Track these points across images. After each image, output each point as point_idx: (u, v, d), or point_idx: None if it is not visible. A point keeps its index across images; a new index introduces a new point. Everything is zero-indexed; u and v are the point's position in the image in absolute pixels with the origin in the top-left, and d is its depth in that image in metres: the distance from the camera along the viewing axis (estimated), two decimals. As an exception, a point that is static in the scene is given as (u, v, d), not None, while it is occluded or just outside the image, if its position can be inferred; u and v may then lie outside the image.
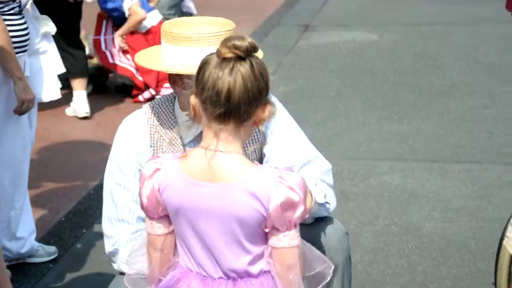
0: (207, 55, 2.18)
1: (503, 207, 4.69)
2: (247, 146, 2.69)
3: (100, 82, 7.19)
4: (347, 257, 2.85)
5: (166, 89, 6.83)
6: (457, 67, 7.77)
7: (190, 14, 8.16)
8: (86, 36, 7.47)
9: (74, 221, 4.62)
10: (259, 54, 2.78)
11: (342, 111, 6.57)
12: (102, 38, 6.98)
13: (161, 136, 2.74)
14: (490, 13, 9.97)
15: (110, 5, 6.79)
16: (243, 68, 2.11)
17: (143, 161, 2.69)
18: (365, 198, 4.90)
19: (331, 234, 2.80)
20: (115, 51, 6.90)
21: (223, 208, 2.16)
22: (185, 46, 2.60)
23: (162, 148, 2.74)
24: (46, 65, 3.97)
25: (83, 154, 5.62)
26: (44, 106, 6.57)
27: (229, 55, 2.11)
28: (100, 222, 4.40)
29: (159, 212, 2.26)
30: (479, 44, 8.55)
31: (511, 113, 6.38)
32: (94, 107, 6.66)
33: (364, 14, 10.21)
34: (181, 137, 2.72)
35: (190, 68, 2.49)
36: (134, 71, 6.87)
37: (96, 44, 6.98)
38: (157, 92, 6.86)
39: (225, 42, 2.12)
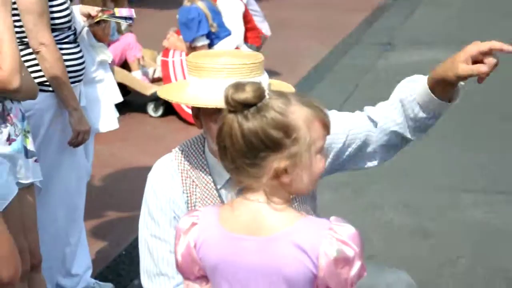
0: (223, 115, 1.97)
1: None
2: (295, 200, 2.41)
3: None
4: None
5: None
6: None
7: (264, 37, 7.94)
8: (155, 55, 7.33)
9: (134, 255, 4.38)
10: (287, 87, 2.52)
11: (425, 138, 6.18)
12: (170, 60, 6.79)
13: (193, 181, 2.51)
14: None
15: (183, 34, 6.63)
16: (235, 122, 1.90)
17: (177, 209, 2.49)
18: (445, 235, 4.53)
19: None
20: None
21: (266, 264, 1.90)
22: (209, 78, 2.40)
23: (195, 194, 2.51)
24: (102, 95, 3.78)
25: (149, 181, 5.40)
26: (114, 131, 6.42)
27: (230, 109, 1.92)
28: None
29: (196, 272, 2.02)
30: None
31: None
32: (164, 131, 6.47)
33: (449, 32, 9.80)
34: (214, 181, 2.50)
35: (210, 101, 2.31)
36: None
37: (164, 66, 6.79)
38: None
39: (225, 96, 1.91)
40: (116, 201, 5.09)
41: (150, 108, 6.89)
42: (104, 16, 3.69)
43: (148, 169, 5.63)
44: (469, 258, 4.25)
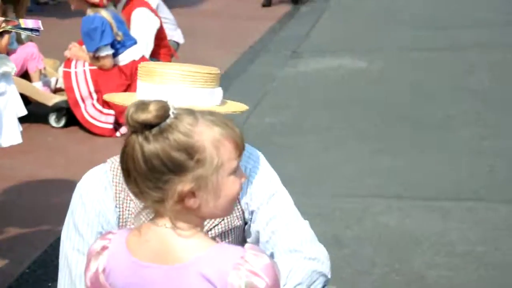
0: None
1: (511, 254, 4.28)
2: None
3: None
4: None
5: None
6: (451, 96, 7.38)
7: (177, 44, 7.80)
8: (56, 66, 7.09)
9: (39, 273, 4.16)
10: (236, 106, 2.38)
11: (333, 143, 6.15)
12: (72, 71, 6.55)
13: (127, 195, 2.34)
14: (477, 38, 9.65)
15: (86, 44, 6.40)
16: (131, 145, 1.78)
17: (106, 224, 2.33)
18: (360, 242, 4.46)
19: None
20: (89, 104, 6.44)
21: None
22: (162, 84, 2.28)
23: (129, 209, 2.35)
24: (5, 108, 3.57)
25: (52, 195, 5.16)
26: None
27: (128, 127, 1.80)
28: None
29: None
30: (470, 72, 8.19)
31: (508, 145, 5.97)
32: (67, 142, 6.23)
33: (352, 40, 9.84)
34: None
35: None
36: (111, 126, 6.45)
37: (66, 77, 6.54)
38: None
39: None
40: (17, 216, 4.84)
41: (52, 118, 6.64)
42: (9, 27, 3.46)
43: (50, 182, 5.38)
44: (385, 266, 4.18)
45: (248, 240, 2.43)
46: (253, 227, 2.40)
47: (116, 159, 2.36)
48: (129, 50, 6.56)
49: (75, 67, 6.54)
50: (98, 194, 2.32)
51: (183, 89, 2.28)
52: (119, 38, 6.44)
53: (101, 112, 6.45)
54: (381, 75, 8.20)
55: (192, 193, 1.76)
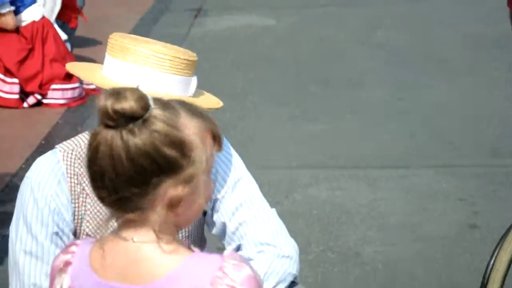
0: None
1: (443, 222, 4.30)
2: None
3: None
4: None
5: (55, 91, 6.11)
6: (360, 53, 7.37)
7: (83, 1, 7.46)
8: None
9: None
10: (210, 102, 2.23)
11: (250, 109, 6.05)
12: None
13: (84, 189, 2.15)
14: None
15: None
16: (106, 140, 1.57)
17: (61, 222, 2.14)
18: (293, 218, 4.40)
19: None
20: None
21: None
22: (135, 63, 2.09)
23: (85, 205, 2.17)
24: None
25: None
26: None
27: (100, 121, 1.58)
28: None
29: None
30: (377, 27, 8.18)
31: (427, 106, 6.01)
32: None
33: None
34: None
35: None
36: (17, 96, 6.11)
37: None
38: (44, 96, 6.13)
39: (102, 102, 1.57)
40: None
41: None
42: None
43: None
44: (320, 243, 4.14)
45: (212, 231, 2.31)
46: (217, 217, 2.27)
47: (69, 146, 2.18)
48: (29, 9, 6.21)
49: None
50: (52, 189, 2.14)
51: (157, 74, 2.10)
52: None
53: (3, 81, 6.12)
54: (290, 32, 8.11)
55: (181, 198, 1.59)
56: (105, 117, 1.53)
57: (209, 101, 2.27)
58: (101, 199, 1.61)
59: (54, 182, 2.15)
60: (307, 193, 4.69)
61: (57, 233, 2.14)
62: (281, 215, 4.32)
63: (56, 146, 2.21)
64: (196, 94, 2.25)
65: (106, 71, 2.14)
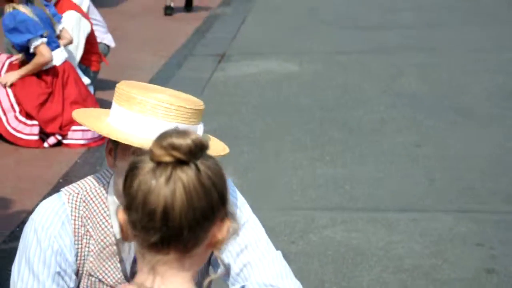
0: (138, 155, 1.53)
1: (459, 265, 4.25)
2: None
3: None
4: None
5: (75, 132, 6.16)
6: (382, 100, 7.39)
7: (108, 47, 7.57)
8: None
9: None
10: (216, 149, 2.21)
11: (271, 152, 6.05)
12: None
13: (87, 231, 2.16)
14: (401, 40, 9.71)
15: (15, 38, 6.06)
16: (186, 176, 1.47)
17: (64, 263, 2.14)
18: (307, 258, 4.37)
19: None
20: (12, 117, 6.14)
21: None
22: (141, 113, 2.07)
23: (88, 247, 2.17)
24: None
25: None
26: None
27: (166, 158, 1.48)
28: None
29: None
30: (398, 74, 8.21)
31: (443, 151, 5.99)
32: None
33: (279, 43, 9.77)
34: (114, 234, 2.17)
35: (140, 139, 2.01)
36: (37, 137, 6.18)
37: None
38: (64, 136, 6.18)
39: (159, 140, 1.49)
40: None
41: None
42: None
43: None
44: (333, 283, 4.10)
45: (216, 271, 2.30)
46: (222, 258, 2.26)
47: (74, 190, 2.19)
48: (52, 53, 6.28)
49: None
50: (55, 230, 2.15)
51: (163, 123, 2.08)
52: (45, 34, 6.13)
53: (25, 124, 6.17)
54: (312, 78, 8.15)
55: (224, 240, 1.54)
56: (167, 155, 1.47)
57: (215, 148, 2.25)
58: (146, 242, 1.50)
59: (58, 224, 2.16)
60: (323, 234, 4.66)
61: (59, 273, 2.15)
62: (295, 254, 4.35)
63: (62, 189, 2.22)
64: None
65: (112, 120, 2.13)
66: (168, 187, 1.45)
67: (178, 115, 2.07)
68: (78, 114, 2.22)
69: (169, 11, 11.55)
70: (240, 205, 2.30)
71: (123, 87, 2.12)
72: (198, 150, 1.48)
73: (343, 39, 9.88)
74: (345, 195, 5.24)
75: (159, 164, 1.47)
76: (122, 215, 1.53)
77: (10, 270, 2.24)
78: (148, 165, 1.48)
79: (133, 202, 1.48)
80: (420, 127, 6.58)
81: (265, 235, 2.31)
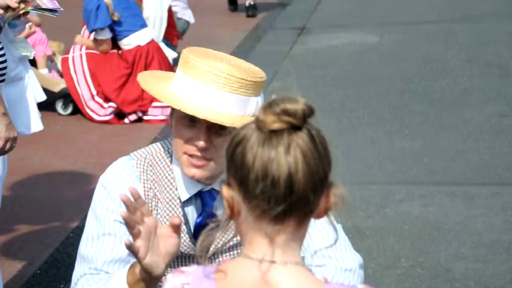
0: (241, 128, 1.49)
1: (541, 240, 4.12)
2: None
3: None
4: None
5: (155, 109, 6.21)
6: (467, 70, 7.20)
7: (188, 23, 7.60)
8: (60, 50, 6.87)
9: (51, 274, 4.01)
10: None
11: (348, 125, 5.98)
12: (70, 56, 6.32)
13: (155, 195, 2.19)
14: (493, 9, 9.44)
15: (87, 22, 6.15)
16: (302, 142, 1.44)
17: None
18: (383, 233, 4.31)
19: None
20: (89, 98, 6.22)
21: None
22: (197, 80, 2.11)
23: (157, 209, 2.19)
24: (24, 94, 3.37)
25: (62, 188, 5.01)
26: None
27: (278, 125, 1.44)
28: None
29: None
30: (487, 44, 7.99)
31: (533, 122, 5.81)
32: (76, 131, 6.06)
33: (361, 14, 9.64)
34: (179, 197, 2.20)
35: (199, 108, 2.07)
36: (112, 116, 6.24)
37: (64, 63, 6.31)
38: (144, 112, 6.24)
39: (270, 107, 1.45)
40: (27, 212, 4.68)
41: (59, 105, 6.44)
42: (29, 8, 3.25)
43: (61, 174, 5.16)
44: (409, 259, 4.02)
45: None
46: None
47: (141, 154, 2.21)
48: (136, 34, 6.30)
49: (73, 52, 6.33)
50: (126, 186, 2.14)
51: (223, 94, 2.10)
52: (115, 19, 6.16)
53: (101, 106, 6.23)
54: (394, 49, 8.01)
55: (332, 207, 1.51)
56: (280, 120, 1.44)
57: None
58: (270, 213, 1.45)
59: (129, 182, 2.18)
60: (400, 208, 4.58)
61: (121, 222, 2.13)
62: (371, 229, 4.29)
63: (130, 154, 2.23)
64: None
65: (174, 86, 2.16)
66: (289, 155, 1.43)
67: (226, 83, 2.09)
68: (143, 77, 2.22)
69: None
70: None
71: (188, 54, 2.14)
72: (310, 114, 1.47)
73: (429, 9, 9.66)
74: (423, 168, 5.14)
75: (272, 132, 1.44)
76: (227, 192, 1.49)
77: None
78: (258, 135, 1.45)
79: (249, 174, 1.44)
80: (507, 97, 6.39)
81: None
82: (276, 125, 1.44)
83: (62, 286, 3.91)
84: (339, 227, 2.27)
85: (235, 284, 1.47)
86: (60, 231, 4.43)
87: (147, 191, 2.18)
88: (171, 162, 2.21)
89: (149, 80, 2.23)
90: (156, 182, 2.19)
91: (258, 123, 1.45)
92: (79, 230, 4.35)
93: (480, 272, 3.85)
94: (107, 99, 6.20)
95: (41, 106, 6.42)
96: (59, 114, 6.41)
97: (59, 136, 5.96)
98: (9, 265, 4.05)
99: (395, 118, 6.07)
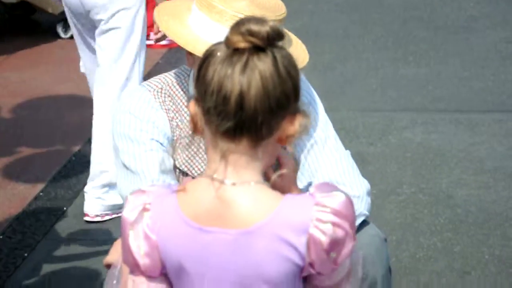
0: (214, 44, 1.53)
1: (544, 167, 4.12)
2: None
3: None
4: (387, 271, 2.27)
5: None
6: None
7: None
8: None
9: (53, 196, 4.03)
10: (291, 42, 2.14)
11: (352, 52, 5.93)
12: None
13: (177, 125, 2.14)
14: None
15: None
16: (262, 63, 1.47)
17: (157, 135, 2.10)
18: (385, 160, 4.30)
19: (366, 243, 2.21)
20: None
21: (243, 264, 1.52)
22: (215, 21, 2.03)
23: (180, 140, 2.14)
24: None
25: (65, 113, 4.99)
26: (22, 55, 5.95)
27: (242, 44, 1.47)
28: (82, 197, 3.83)
29: (156, 270, 1.58)
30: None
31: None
32: (77, 54, 6.00)
33: None
34: None
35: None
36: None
37: None
38: (146, 37, 6.16)
39: (237, 26, 1.48)
40: (30, 134, 4.68)
41: (60, 28, 6.38)
42: None
43: (64, 97, 5.12)
44: (411, 185, 4.03)
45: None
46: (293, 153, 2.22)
47: (157, 85, 2.14)
48: None
49: None
50: (151, 113, 2.11)
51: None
52: None
53: None
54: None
55: (294, 135, 1.54)
56: (253, 37, 1.47)
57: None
58: (220, 128, 1.50)
59: (152, 110, 2.13)
60: (402, 135, 4.57)
61: (157, 141, 2.11)
62: (373, 156, 4.28)
63: (143, 84, 2.19)
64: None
65: (192, 23, 2.07)
66: (244, 73, 1.46)
67: None
68: (160, 10, 2.14)
69: None
70: (312, 102, 2.25)
71: None
72: (276, 37, 1.48)
73: None
74: (427, 95, 5.11)
75: (235, 50, 1.48)
76: (193, 107, 1.54)
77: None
78: (223, 52, 1.49)
79: (207, 88, 1.49)
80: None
81: (334, 133, 2.27)
82: (240, 44, 1.48)
83: (65, 208, 3.92)
84: (347, 153, 2.27)
85: (195, 200, 1.53)
86: (63, 154, 4.43)
87: (170, 120, 2.14)
88: (188, 91, 2.15)
89: (166, 15, 2.14)
90: (177, 112, 2.14)
91: (226, 41, 1.50)
92: (81, 154, 4.36)
93: (481, 198, 3.86)
94: None
95: (41, 29, 6.44)
96: (60, 37, 6.35)
97: (60, 59, 5.93)
98: (12, 187, 4.07)
99: (399, 45, 6.02)
